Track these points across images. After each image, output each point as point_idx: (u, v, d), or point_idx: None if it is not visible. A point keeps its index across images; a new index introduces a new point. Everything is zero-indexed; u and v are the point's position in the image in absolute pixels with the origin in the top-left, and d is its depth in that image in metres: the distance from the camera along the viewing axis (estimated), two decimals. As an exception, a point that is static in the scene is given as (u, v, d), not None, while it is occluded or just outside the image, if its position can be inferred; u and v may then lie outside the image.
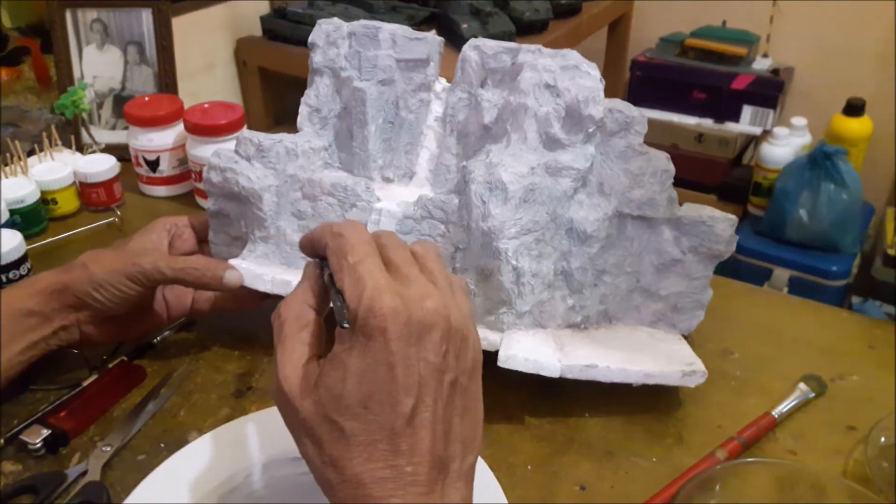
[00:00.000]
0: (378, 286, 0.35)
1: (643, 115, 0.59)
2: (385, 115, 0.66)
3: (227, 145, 0.63)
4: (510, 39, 1.48)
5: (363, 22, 0.66)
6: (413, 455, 0.34)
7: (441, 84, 0.67)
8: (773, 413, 0.57)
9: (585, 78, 0.59)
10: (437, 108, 0.67)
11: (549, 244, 0.58)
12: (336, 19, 0.66)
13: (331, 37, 0.66)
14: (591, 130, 0.58)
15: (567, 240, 0.59)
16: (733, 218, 0.60)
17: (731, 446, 0.54)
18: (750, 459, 0.52)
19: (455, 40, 1.43)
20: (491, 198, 0.56)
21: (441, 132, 0.66)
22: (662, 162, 0.59)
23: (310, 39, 0.66)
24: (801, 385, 0.60)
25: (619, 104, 0.59)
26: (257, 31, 1.60)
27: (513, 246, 0.56)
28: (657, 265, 0.61)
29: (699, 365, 0.57)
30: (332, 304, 0.37)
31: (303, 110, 0.66)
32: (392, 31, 0.65)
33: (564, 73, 0.59)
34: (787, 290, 1.67)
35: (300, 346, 0.37)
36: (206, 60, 1.54)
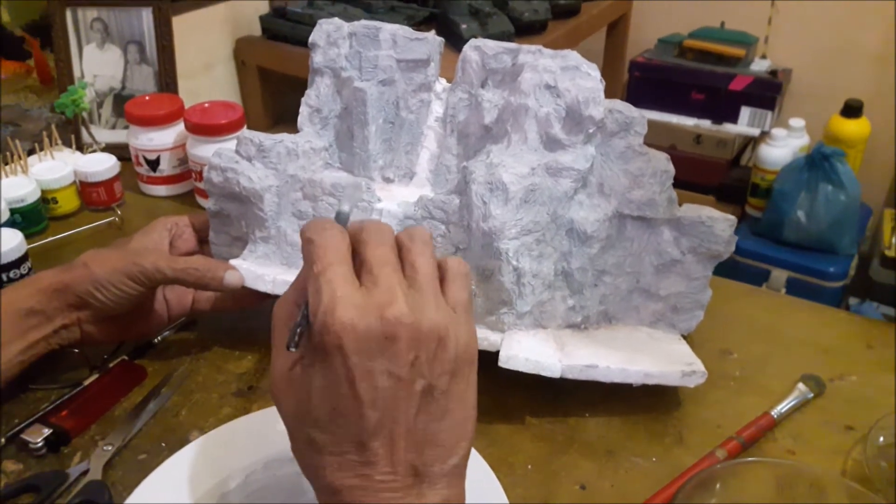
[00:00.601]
0: (333, 299, 0.33)
1: (643, 116, 0.60)
2: (385, 116, 0.66)
3: (228, 145, 0.63)
4: (509, 40, 1.49)
5: (364, 22, 0.66)
6: (384, 464, 0.34)
7: (441, 84, 0.67)
8: (773, 413, 0.57)
9: (586, 79, 0.59)
10: (437, 109, 0.67)
11: (549, 244, 0.58)
12: (337, 19, 0.66)
13: (331, 37, 0.66)
14: (591, 131, 0.58)
15: (567, 240, 0.59)
16: (732, 218, 0.60)
17: (730, 446, 0.54)
18: (750, 459, 0.52)
19: (454, 40, 1.43)
20: (492, 198, 0.56)
21: (441, 132, 0.67)
22: (662, 163, 0.59)
23: (310, 39, 0.66)
24: (800, 385, 0.60)
25: (620, 105, 0.59)
26: (257, 30, 1.59)
27: (513, 246, 0.56)
28: (657, 265, 0.61)
29: (699, 365, 0.57)
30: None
31: (303, 110, 0.67)
32: (392, 32, 0.65)
33: (565, 74, 0.59)
34: (784, 291, 1.68)
35: (286, 350, 0.36)
36: (206, 60, 1.54)
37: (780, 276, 1.71)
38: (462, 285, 0.38)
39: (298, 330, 0.35)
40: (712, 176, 1.95)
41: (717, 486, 0.47)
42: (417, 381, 0.34)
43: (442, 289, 0.37)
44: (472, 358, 0.37)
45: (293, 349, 0.35)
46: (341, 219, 0.38)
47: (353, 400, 0.33)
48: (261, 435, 0.51)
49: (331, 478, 0.34)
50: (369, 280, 0.35)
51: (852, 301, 1.64)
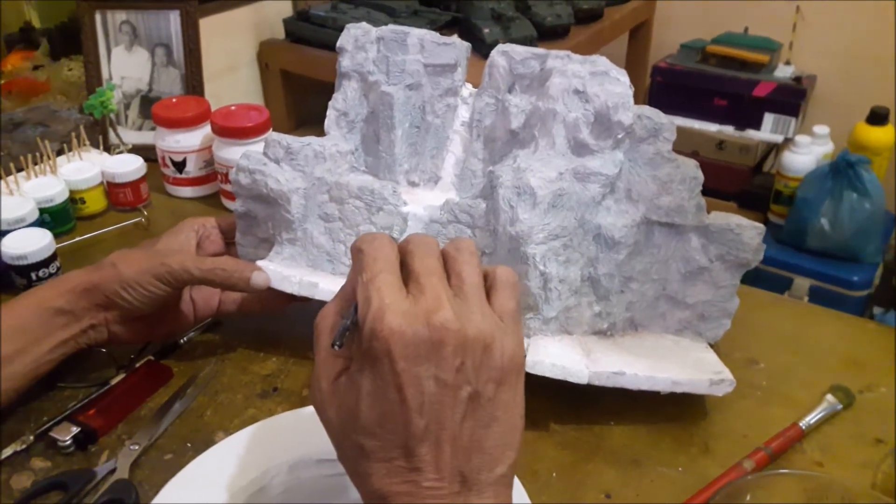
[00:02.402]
0: (382, 306, 0.34)
1: (672, 122, 0.59)
2: (412, 120, 0.66)
3: (254, 147, 0.64)
4: (532, 44, 1.49)
5: (392, 27, 0.66)
6: (431, 471, 0.34)
7: (468, 89, 0.67)
8: (801, 424, 0.56)
9: (615, 84, 0.59)
10: (463, 114, 0.67)
11: (576, 250, 0.58)
12: (364, 24, 0.66)
13: (359, 41, 0.66)
14: (619, 136, 0.58)
15: (594, 246, 0.59)
16: (761, 227, 0.60)
17: (758, 457, 0.53)
18: (781, 471, 0.51)
19: (476, 45, 1.43)
20: (519, 202, 0.56)
21: (467, 137, 0.67)
22: (691, 169, 0.59)
23: (338, 44, 0.66)
24: (829, 396, 0.59)
25: (648, 111, 0.59)
26: (280, 33, 1.61)
27: (540, 251, 0.56)
28: (684, 273, 0.61)
29: (727, 374, 0.57)
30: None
31: (330, 114, 0.67)
32: (420, 37, 0.65)
33: (594, 79, 0.59)
34: (807, 300, 1.66)
35: (332, 359, 0.37)
36: (229, 62, 1.55)
37: (802, 284, 1.69)
38: (509, 295, 0.38)
39: (345, 331, 0.35)
40: (735, 182, 1.93)
41: (748, 497, 0.46)
42: (464, 388, 0.34)
43: (489, 298, 0.37)
44: (518, 367, 0.37)
45: (337, 347, 0.35)
46: None
47: (400, 405, 0.34)
48: (286, 437, 0.51)
49: (378, 484, 0.34)
50: (416, 289, 0.35)
51: (876, 310, 1.62)
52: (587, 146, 0.58)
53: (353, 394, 0.35)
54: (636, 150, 0.59)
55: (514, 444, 0.36)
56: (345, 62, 0.67)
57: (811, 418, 0.57)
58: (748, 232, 0.59)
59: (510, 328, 0.36)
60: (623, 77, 0.59)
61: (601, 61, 0.60)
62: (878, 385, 0.62)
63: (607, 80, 0.59)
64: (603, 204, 0.59)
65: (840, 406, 0.59)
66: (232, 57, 1.56)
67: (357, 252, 0.37)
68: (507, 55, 0.64)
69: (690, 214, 0.59)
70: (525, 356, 0.37)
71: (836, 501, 0.47)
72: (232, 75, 1.57)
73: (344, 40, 0.66)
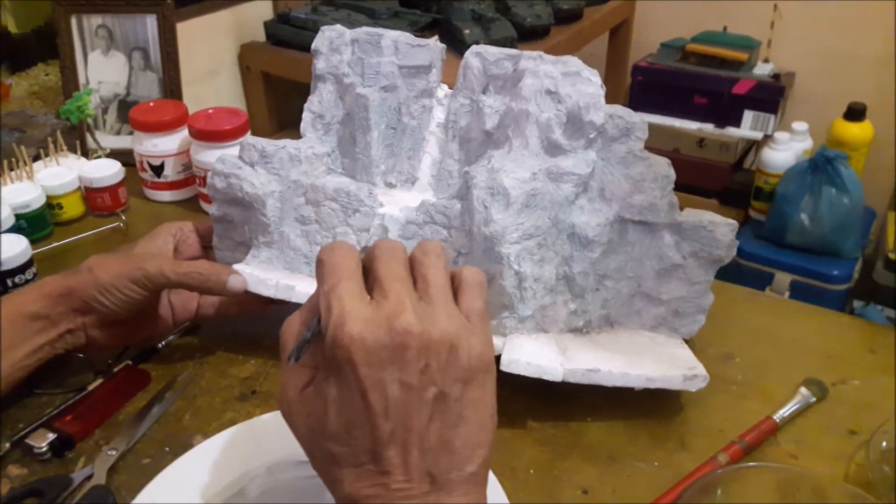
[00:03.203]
0: (343, 313, 0.34)
1: (644, 121, 0.60)
2: (388, 121, 0.66)
3: (232, 151, 0.64)
4: (512, 45, 1.49)
5: (366, 29, 0.66)
6: (399, 473, 0.34)
7: (443, 90, 0.68)
8: (775, 417, 0.57)
9: (586, 84, 0.59)
10: (439, 115, 0.67)
11: (550, 249, 0.59)
12: (339, 26, 0.67)
13: (334, 43, 0.66)
14: (592, 136, 0.59)
15: (569, 244, 0.59)
16: (734, 223, 0.60)
17: (732, 450, 0.54)
18: (752, 464, 0.52)
19: (457, 46, 1.43)
20: (493, 203, 0.56)
21: (443, 138, 0.67)
22: (663, 167, 0.60)
23: (313, 46, 0.67)
24: (803, 389, 0.60)
25: (620, 110, 0.60)
26: (261, 36, 1.60)
27: (515, 251, 0.56)
28: (658, 270, 0.61)
29: (701, 369, 0.57)
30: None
31: (306, 116, 0.67)
32: (394, 38, 0.65)
33: (566, 80, 0.59)
34: (788, 295, 1.68)
35: (299, 368, 0.37)
36: (210, 66, 1.55)
37: (783, 279, 1.70)
38: (476, 294, 0.38)
39: (303, 344, 0.36)
40: (715, 179, 1.95)
41: (719, 490, 0.47)
42: (429, 389, 0.34)
43: (456, 299, 0.37)
44: (487, 366, 0.37)
45: (292, 361, 0.36)
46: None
47: (365, 411, 0.34)
48: (264, 439, 0.51)
49: (350, 488, 0.35)
50: (380, 294, 0.35)
51: (856, 304, 1.64)
52: (560, 146, 0.59)
53: (321, 402, 0.35)
54: (609, 150, 0.60)
55: (485, 443, 0.36)
56: (320, 64, 0.67)
57: (785, 411, 0.58)
58: (721, 228, 0.60)
59: (478, 328, 0.37)
60: (595, 77, 0.60)
61: (573, 62, 0.60)
62: (851, 378, 0.63)
63: (579, 80, 0.59)
64: (576, 203, 0.59)
65: (814, 399, 0.60)
66: (213, 60, 1.55)
67: (319, 263, 0.37)
68: (480, 56, 0.64)
69: (663, 212, 0.59)
70: (493, 355, 0.37)
71: (807, 492, 0.47)
72: (213, 78, 1.56)
73: (318, 43, 0.67)
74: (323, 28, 0.67)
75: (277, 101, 1.64)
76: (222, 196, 0.62)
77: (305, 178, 0.62)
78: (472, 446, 0.36)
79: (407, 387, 0.34)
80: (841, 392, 0.61)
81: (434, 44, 0.66)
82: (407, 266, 0.37)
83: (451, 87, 0.68)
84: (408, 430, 0.34)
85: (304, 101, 0.67)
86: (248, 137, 0.62)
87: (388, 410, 0.34)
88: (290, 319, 0.39)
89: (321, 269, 0.37)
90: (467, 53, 0.65)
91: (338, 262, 0.37)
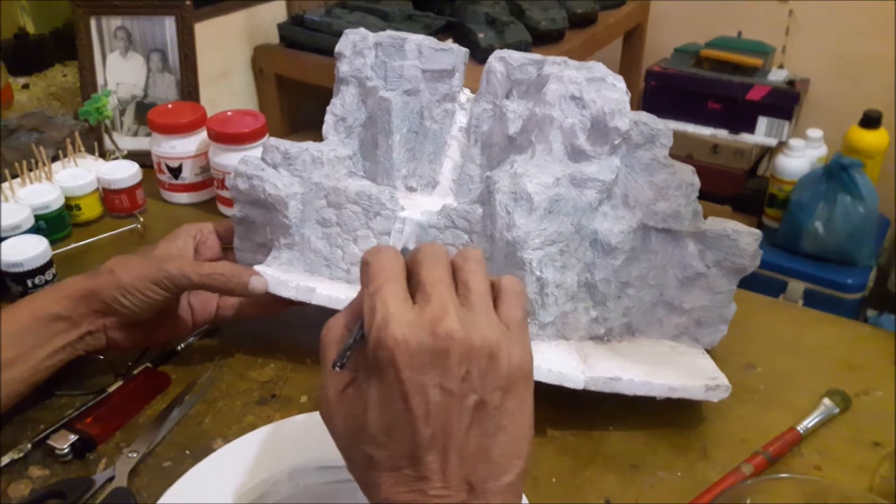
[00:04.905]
0: (386, 316, 0.34)
1: (668, 128, 0.60)
2: (410, 125, 0.66)
3: (251, 153, 0.64)
4: (526, 49, 1.49)
5: (389, 33, 0.66)
6: (438, 479, 0.34)
7: (465, 94, 0.67)
8: (798, 428, 0.57)
9: (611, 90, 0.59)
10: (461, 119, 0.67)
11: (573, 255, 0.58)
12: (362, 29, 0.67)
13: (357, 47, 0.66)
14: (616, 142, 0.58)
15: (591, 251, 0.59)
16: (758, 232, 0.60)
17: (756, 461, 0.53)
18: (780, 476, 0.52)
19: (471, 49, 1.42)
20: (516, 208, 0.56)
21: (465, 142, 0.67)
22: (688, 175, 0.59)
23: (336, 49, 0.67)
24: (826, 400, 0.60)
25: (645, 116, 0.59)
26: (274, 38, 1.60)
27: (537, 256, 0.56)
28: (681, 278, 0.61)
29: (723, 380, 0.57)
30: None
31: (328, 119, 0.67)
32: (418, 42, 0.65)
33: (590, 85, 0.59)
34: (801, 303, 1.67)
35: (339, 371, 0.37)
36: (224, 68, 1.55)
37: (797, 287, 1.69)
38: (516, 303, 0.38)
39: (347, 351, 0.36)
40: (729, 186, 1.94)
41: (748, 501, 0.46)
42: (469, 396, 0.34)
43: (496, 307, 0.37)
44: (526, 375, 0.37)
45: (338, 369, 0.36)
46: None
47: (406, 413, 0.34)
48: (285, 445, 0.51)
49: (387, 493, 0.34)
50: (423, 298, 0.35)
51: (870, 313, 1.63)
52: (584, 152, 0.59)
53: (361, 404, 0.35)
54: (633, 156, 0.59)
55: (522, 453, 0.36)
56: (343, 67, 0.67)
57: (809, 422, 0.57)
58: (745, 238, 0.59)
59: (517, 336, 0.36)
60: (619, 83, 0.59)
61: (598, 67, 0.60)
62: (874, 388, 0.62)
63: (604, 86, 0.59)
64: (599, 209, 0.59)
65: (837, 410, 0.59)
66: (226, 62, 1.55)
67: (363, 265, 0.37)
68: (504, 61, 0.64)
69: (687, 220, 0.59)
70: (532, 365, 0.37)
71: (834, 505, 0.47)
72: (226, 80, 1.56)
73: (342, 46, 0.66)
74: (346, 31, 0.67)
75: (290, 103, 1.64)
76: (244, 197, 0.62)
77: (327, 181, 0.62)
78: (509, 456, 0.35)
79: (448, 392, 0.34)
80: (864, 403, 0.60)
81: (457, 48, 0.66)
82: (450, 270, 0.37)
83: (470, 91, 0.67)
84: (448, 435, 0.34)
85: (318, 103, 0.67)
86: (271, 139, 0.62)
87: (429, 415, 0.34)
88: (332, 322, 0.38)
89: (366, 270, 0.37)
90: (491, 58, 0.65)
91: (383, 264, 0.37)
